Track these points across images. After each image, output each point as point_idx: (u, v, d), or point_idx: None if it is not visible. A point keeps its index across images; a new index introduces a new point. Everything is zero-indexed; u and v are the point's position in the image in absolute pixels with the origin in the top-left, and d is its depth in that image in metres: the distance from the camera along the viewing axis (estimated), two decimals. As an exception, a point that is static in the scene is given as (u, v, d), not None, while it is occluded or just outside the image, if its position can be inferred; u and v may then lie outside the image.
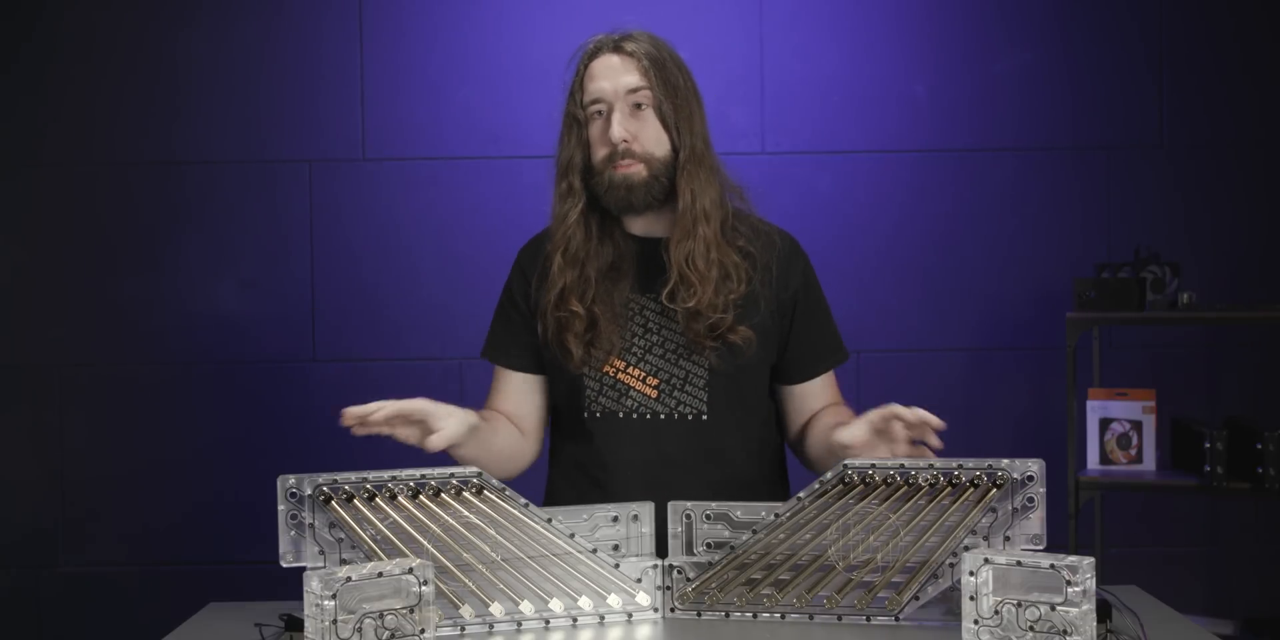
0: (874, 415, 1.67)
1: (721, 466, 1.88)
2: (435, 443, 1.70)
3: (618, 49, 1.86)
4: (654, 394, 1.87)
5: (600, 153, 1.85)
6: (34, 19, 3.36)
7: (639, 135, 1.84)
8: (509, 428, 1.95)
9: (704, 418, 1.87)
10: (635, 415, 1.87)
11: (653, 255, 1.90)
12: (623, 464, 1.87)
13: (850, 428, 1.69)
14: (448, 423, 1.72)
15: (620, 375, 1.87)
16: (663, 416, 1.87)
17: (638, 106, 1.84)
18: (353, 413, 1.68)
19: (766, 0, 3.38)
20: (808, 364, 1.94)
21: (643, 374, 1.87)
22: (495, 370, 1.99)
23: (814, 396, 1.95)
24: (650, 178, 1.84)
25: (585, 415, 1.89)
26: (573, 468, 1.93)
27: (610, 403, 1.88)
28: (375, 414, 1.68)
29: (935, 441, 1.63)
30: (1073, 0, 3.39)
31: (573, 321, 1.85)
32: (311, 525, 1.57)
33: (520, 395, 1.97)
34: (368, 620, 1.46)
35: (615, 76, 1.84)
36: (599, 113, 1.86)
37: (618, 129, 1.83)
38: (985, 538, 1.58)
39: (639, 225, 1.92)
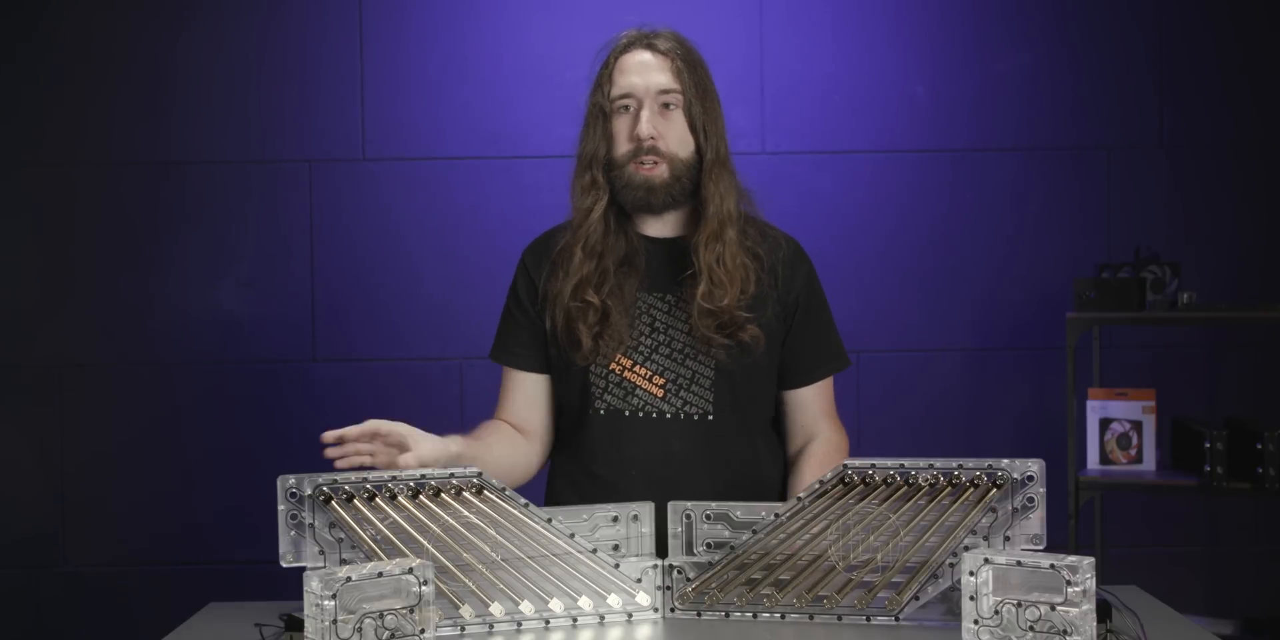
0: None
1: (726, 466, 1.89)
2: (406, 461, 1.68)
3: (650, 46, 1.87)
4: (660, 393, 1.87)
5: (624, 147, 1.85)
6: (34, 19, 3.36)
7: (666, 134, 1.84)
8: (506, 442, 1.92)
9: (709, 417, 1.87)
10: (641, 413, 1.87)
11: (664, 255, 1.91)
12: (628, 461, 1.87)
13: None
14: (422, 446, 1.70)
15: (627, 373, 1.88)
16: (668, 415, 1.87)
17: (666, 106, 1.85)
18: (330, 434, 1.65)
19: (766, 0, 3.38)
20: (804, 369, 1.94)
21: (649, 373, 1.87)
22: (503, 372, 1.99)
23: (806, 404, 1.95)
24: (672, 179, 1.85)
25: (591, 412, 1.89)
26: (577, 465, 1.93)
27: (616, 400, 1.88)
28: (351, 429, 1.65)
29: None
30: (1073, 0, 3.39)
31: (587, 312, 1.85)
32: (311, 525, 1.57)
33: (527, 396, 1.96)
34: (368, 620, 1.46)
35: (647, 73, 1.84)
36: (626, 107, 1.86)
37: (646, 126, 1.83)
38: (985, 538, 1.58)
39: (651, 225, 1.93)
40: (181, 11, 3.37)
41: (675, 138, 1.85)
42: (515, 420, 1.97)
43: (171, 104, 3.37)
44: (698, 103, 1.85)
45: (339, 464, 1.66)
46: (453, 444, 1.76)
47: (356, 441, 1.66)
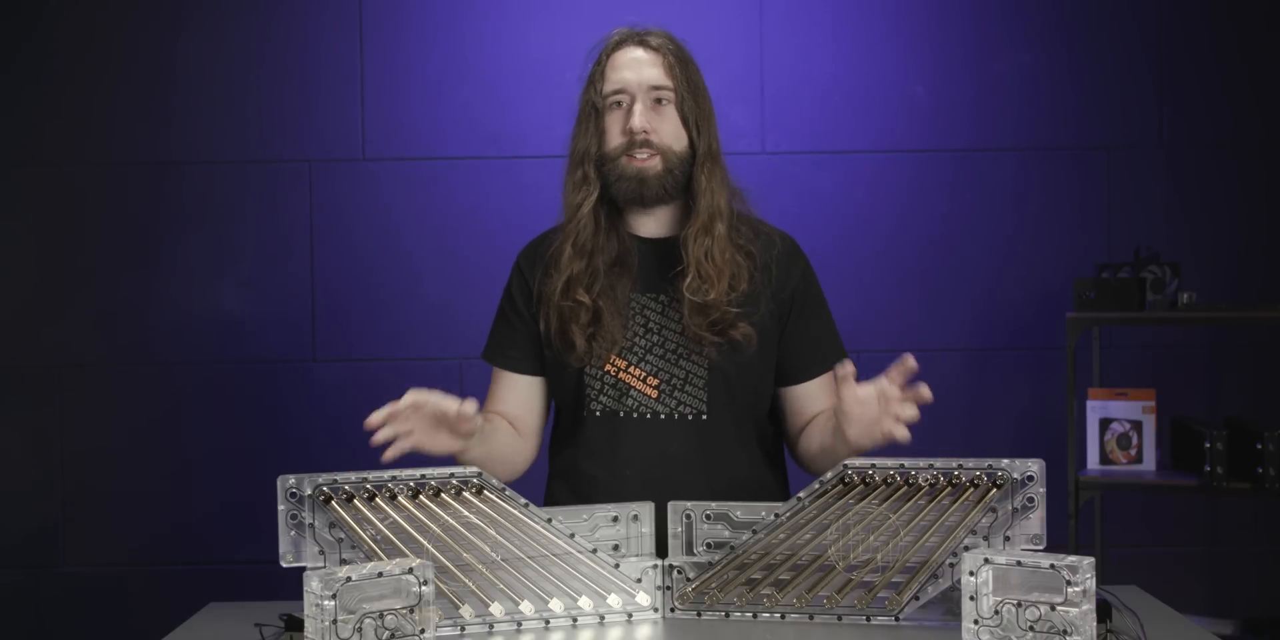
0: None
1: (721, 466, 1.89)
2: (466, 409, 1.69)
3: (642, 43, 1.88)
4: (654, 394, 1.88)
5: (617, 141, 1.86)
6: (34, 19, 3.36)
7: (658, 128, 1.85)
8: (507, 429, 1.95)
9: (704, 417, 1.88)
10: (636, 414, 1.88)
11: (656, 256, 1.91)
12: (623, 462, 1.87)
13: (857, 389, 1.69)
14: (463, 405, 1.71)
15: (621, 374, 1.88)
16: (663, 416, 1.87)
17: (659, 101, 1.86)
18: (377, 415, 1.66)
19: (766, 0, 3.38)
20: (804, 365, 1.94)
21: (643, 374, 1.88)
22: (494, 373, 2.00)
23: (810, 399, 1.95)
24: (664, 172, 1.85)
25: (586, 414, 1.89)
26: (573, 466, 1.93)
27: (611, 402, 1.88)
28: (398, 405, 1.66)
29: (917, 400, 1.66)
30: (1072, 0, 3.39)
31: (578, 312, 1.86)
32: (311, 525, 1.57)
33: (519, 397, 1.97)
34: (368, 620, 1.46)
35: (639, 69, 1.86)
36: (618, 103, 1.86)
37: (638, 119, 1.83)
38: (985, 538, 1.58)
39: (644, 226, 1.93)
40: (181, 11, 3.37)
41: (668, 131, 1.86)
42: (511, 420, 1.97)
43: (171, 104, 3.37)
44: (689, 98, 1.86)
45: (389, 454, 1.66)
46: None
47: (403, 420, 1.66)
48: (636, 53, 1.87)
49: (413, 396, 1.67)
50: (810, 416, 1.94)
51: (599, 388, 1.89)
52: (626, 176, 1.85)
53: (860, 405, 1.68)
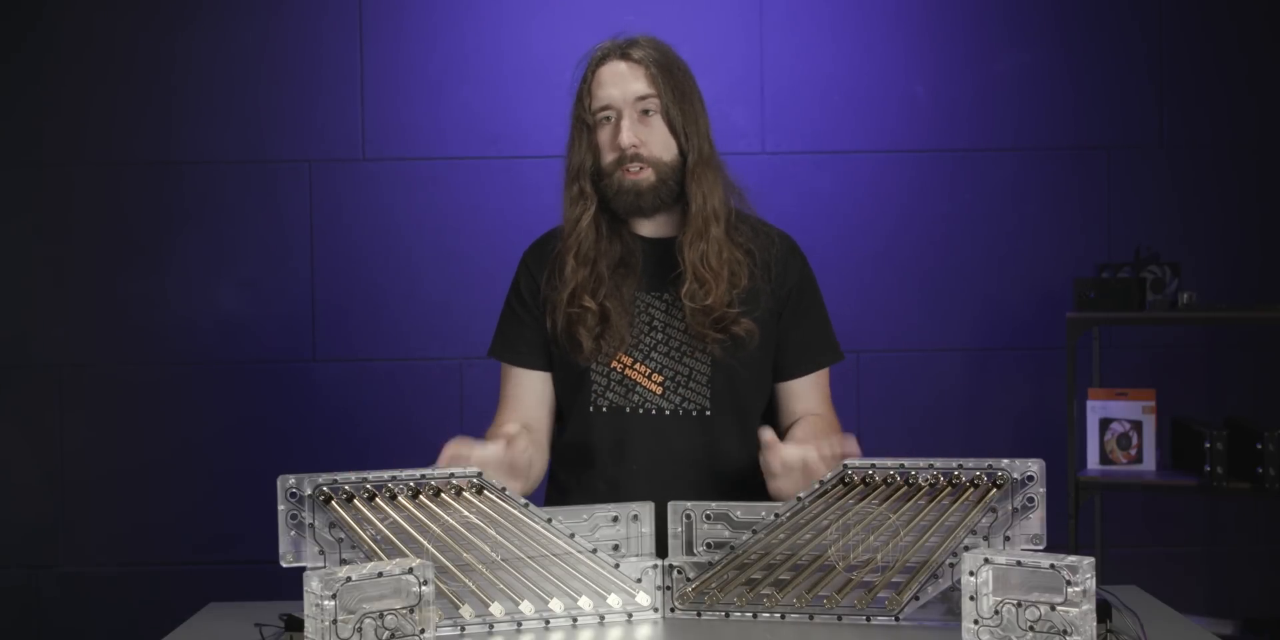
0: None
1: (724, 461, 1.91)
2: (517, 454, 1.72)
3: (625, 56, 1.90)
4: (659, 390, 1.89)
5: (609, 157, 1.89)
6: (34, 19, 3.36)
7: (647, 141, 1.88)
8: (527, 445, 1.89)
9: (707, 414, 1.89)
10: (641, 410, 1.89)
11: (659, 255, 1.93)
12: (629, 458, 1.89)
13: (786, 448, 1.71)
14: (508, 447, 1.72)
15: (628, 371, 1.90)
16: (667, 412, 1.89)
17: (645, 113, 1.88)
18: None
19: (766, 0, 3.38)
20: (796, 361, 1.95)
21: (648, 371, 1.90)
22: (506, 370, 2.00)
23: (800, 396, 1.96)
24: (658, 182, 1.88)
25: (592, 409, 1.91)
26: (577, 461, 1.94)
27: (617, 398, 1.90)
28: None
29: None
30: (1073, 0, 3.39)
31: (585, 316, 1.88)
32: (311, 525, 1.57)
33: (533, 395, 1.97)
34: (368, 620, 1.46)
35: (623, 83, 1.88)
36: (607, 119, 1.89)
37: (627, 135, 1.86)
38: (985, 538, 1.58)
39: (646, 226, 1.96)
40: (181, 11, 3.37)
41: (657, 142, 1.88)
42: (527, 419, 1.96)
43: (171, 104, 3.37)
44: (675, 106, 1.88)
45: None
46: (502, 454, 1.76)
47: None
48: (619, 67, 1.89)
49: (455, 450, 1.66)
50: (798, 415, 1.96)
51: (605, 384, 1.90)
52: (623, 190, 1.88)
53: (785, 468, 1.70)
